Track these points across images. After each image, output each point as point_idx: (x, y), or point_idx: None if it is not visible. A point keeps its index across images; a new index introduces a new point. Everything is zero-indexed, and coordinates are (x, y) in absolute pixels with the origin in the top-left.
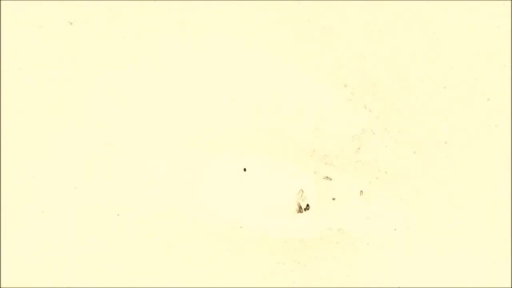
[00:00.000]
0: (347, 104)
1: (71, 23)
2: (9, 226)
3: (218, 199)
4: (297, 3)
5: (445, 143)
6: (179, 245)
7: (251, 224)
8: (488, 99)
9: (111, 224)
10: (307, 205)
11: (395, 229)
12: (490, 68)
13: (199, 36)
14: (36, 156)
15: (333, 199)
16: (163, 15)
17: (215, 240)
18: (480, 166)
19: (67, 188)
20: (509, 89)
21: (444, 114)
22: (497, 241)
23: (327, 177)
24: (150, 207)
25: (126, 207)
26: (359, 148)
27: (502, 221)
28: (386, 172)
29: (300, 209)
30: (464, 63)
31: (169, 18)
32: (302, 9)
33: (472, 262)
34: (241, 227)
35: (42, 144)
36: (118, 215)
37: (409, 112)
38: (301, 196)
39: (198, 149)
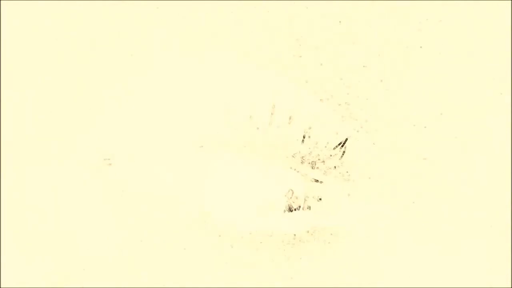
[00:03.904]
0: (333, 114)
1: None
2: (8, 227)
3: (215, 200)
4: (288, 21)
5: (433, 148)
6: (178, 245)
7: (245, 225)
8: (483, 110)
9: (110, 225)
10: (298, 206)
11: (388, 232)
12: (484, 79)
13: (197, 52)
14: (36, 162)
15: (320, 199)
16: (167, 30)
17: (212, 240)
18: (475, 168)
19: (73, 188)
20: (509, 91)
21: (435, 120)
22: (497, 241)
23: (317, 180)
24: (149, 208)
25: (125, 209)
26: (343, 154)
27: (502, 221)
28: (369, 178)
29: (290, 210)
30: (455, 71)
31: (173, 34)
32: (293, 26)
33: (472, 262)
34: (236, 227)
35: (44, 149)
36: (117, 216)
37: (394, 120)
38: (291, 196)
39: (195, 154)
